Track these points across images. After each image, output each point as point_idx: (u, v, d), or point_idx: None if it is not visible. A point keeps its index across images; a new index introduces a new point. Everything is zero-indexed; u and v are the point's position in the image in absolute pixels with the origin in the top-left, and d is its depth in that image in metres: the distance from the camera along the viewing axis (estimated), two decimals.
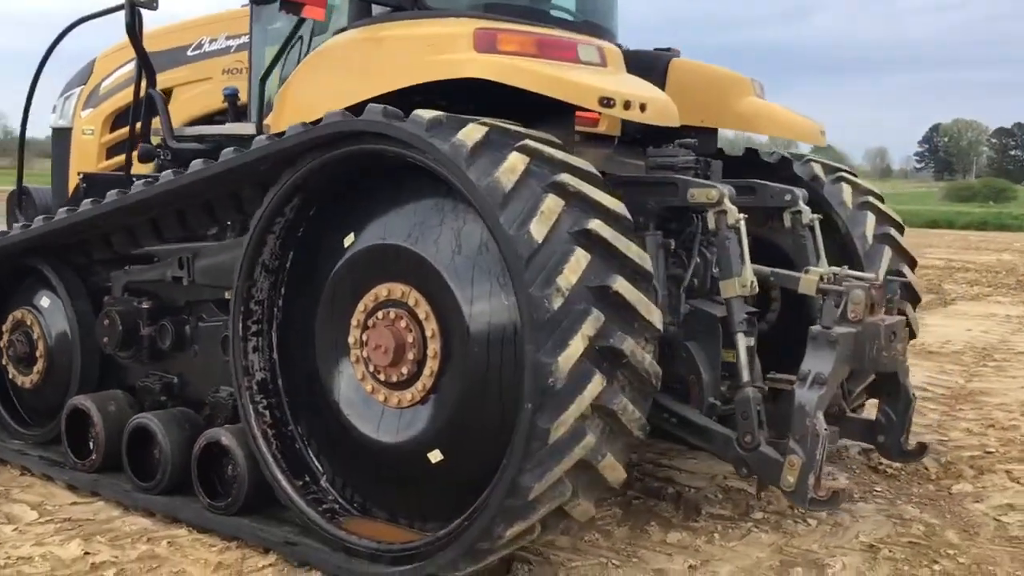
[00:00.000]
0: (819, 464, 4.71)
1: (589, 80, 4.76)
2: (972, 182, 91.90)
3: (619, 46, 6.46)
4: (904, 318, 5.53)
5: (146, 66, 6.41)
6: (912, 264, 6.81)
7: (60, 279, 6.30)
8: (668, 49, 6.86)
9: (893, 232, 6.71)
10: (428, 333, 4.50)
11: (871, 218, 6.60)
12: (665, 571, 4.93)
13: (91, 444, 5.85)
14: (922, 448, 5.72)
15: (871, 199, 6.75)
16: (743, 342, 5.10)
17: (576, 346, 3.96)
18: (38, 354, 6.44)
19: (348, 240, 4.85)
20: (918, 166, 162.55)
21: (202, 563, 4.81)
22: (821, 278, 5.31)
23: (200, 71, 6.97)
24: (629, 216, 4.40)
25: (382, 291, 4.64)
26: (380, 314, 4.63)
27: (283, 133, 4.82)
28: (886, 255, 6.51)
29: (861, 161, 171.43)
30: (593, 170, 4.48)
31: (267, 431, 5.06)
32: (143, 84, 6.47)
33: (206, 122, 6.67)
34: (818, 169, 6.77)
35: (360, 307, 4.71)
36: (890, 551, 5.24)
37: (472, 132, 4.24)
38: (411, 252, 4.59)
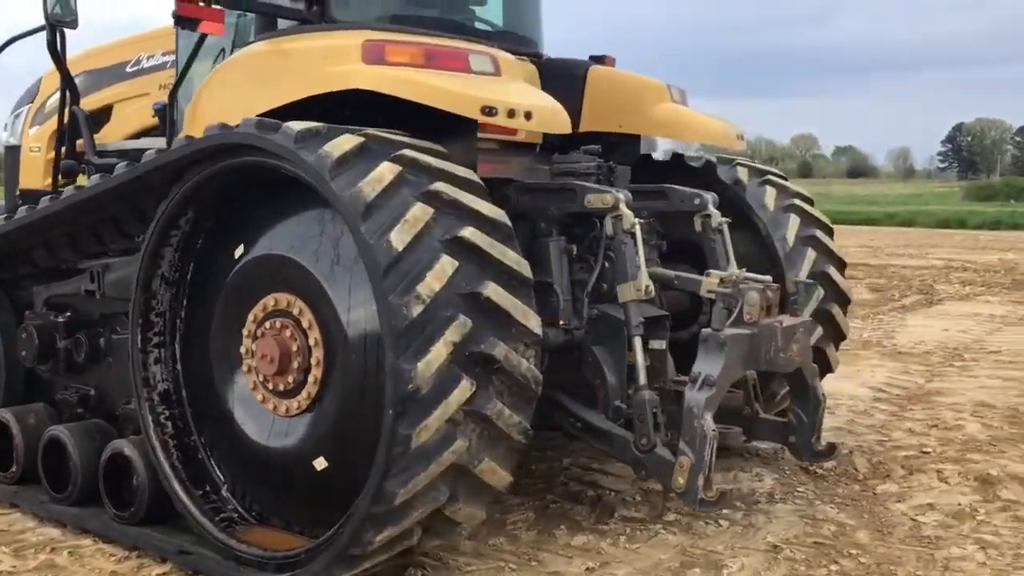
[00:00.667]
0: (708, 465, 4.75)
1: (471, 90, 4.80)
2: (993, 181, 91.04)
3: (539, 56, 6.55)
4: (809, 320, 5.57)
5: (69, 84, 6.51)
6: (840, 266, 6.82)
7: None
8: (602, 57, 6.92)
9: (820, 234, 6.72)
10: (311, 342, 4.57)
11: (794, 220, 6.62)
12: (562, 574, 4.97)
13: (13, 456, 5.93)
14: (831, 448, 5.75)
15: (797, 202, 6.78)
16: (640, 346, 5.15)
17: (438, 352, 4.01)
18: None
19: (238, 251, 4.92)
20: (941, 166, 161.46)
21: (97, 572, 4.89)
22: (721, 281, 5.36)
23: (138, 87, 7.06)
24: (508, 223, 4.46)
25: (270, 301, 4.71)
26: (268, 324, 4.70)
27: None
28: (808, 257, 6.53)
29: (884, 162, 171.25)
30: (474, 178, 4.55)
31: (168, 441, 5.13)
32: (68, 102, 6.56)
33: (143, 137, 6.77)
34: (742, 173, 6.80)
35: (251, 317, 4.78)
36: (792, 552, 5.25)
37: (342, 143, 4.30)
38: (295, 262, 4.67)
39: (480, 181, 4.58)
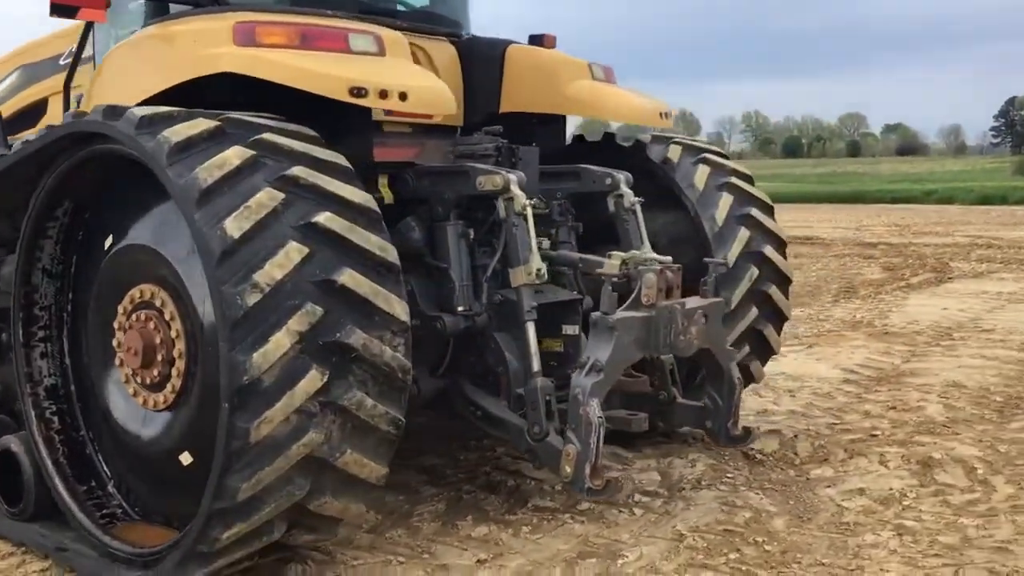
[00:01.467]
0: (594, 453, 4.60)
1: (341, 70, 4.66)
2: None
3: (461, 36, 6.39)
4: (717, 301, 5.38)
5: None
6: (779, 245, 6.60)
7: None
8: (540, 37, 6.76)
9: (756, 212, 6.51)
10: (173, 334, 4.46)
11: (726, 199, 6.42)
12: (450, 566, 4.83)
13: None
14: (747, 433, 5.58)
15: (733, 180, 6.58)
16: (532, 331, 5.02)
17: (279, 342, 3.87)
18: None
19: (108, 242, 4.83)
20: (994, 141, 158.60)
21: None
22: (623, 263, 5.19)
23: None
24: (375, 208, 4.33)
25: (136, 293, 4.60)
26: (135, 316, 4.60)
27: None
28: (740, 237, 6.33)
29: (935, 139, 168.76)
30: (340, 162, 4.41)
31: (53, 437, 5.06)
32: None
33: None
34: (674, 151, 6.60)
35: (120, 309, 4.68)
36: (697, 540, 5.09)
37: (186, 128, 4.18)
38: (157, 252, 4.56)
39: (347, 165, 4.43)
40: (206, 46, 4.81)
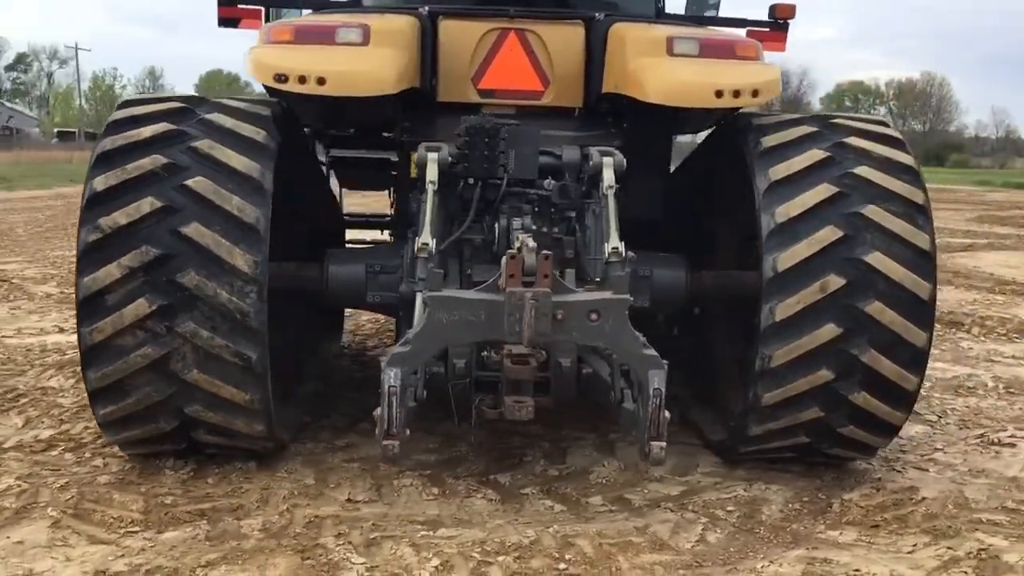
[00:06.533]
0: (385, 419, 4.52)
1: (275, 59, 5.47)
2: None
3: (591, 18, 6.36)
4: (620, 298, 4.80)
5: None
6: None
7: None
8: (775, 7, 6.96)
9: None
10: None
11: None
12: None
13: None
14: (658, 456, 4.77)
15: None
16: (419, 302, 5.01)
17: (109, 272, 4.93)
18: None
19: None
20: None
21: None
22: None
23: None
24: (256, 177, 5.15)
25: None
26: None
27: None
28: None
29: None
30: (247, 135, 5.29)
31: None
32: None
33: None
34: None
35: None
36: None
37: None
38: None
39: (257, 139, 5.25)
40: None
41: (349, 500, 5.37)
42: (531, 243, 4.81)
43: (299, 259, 6.24)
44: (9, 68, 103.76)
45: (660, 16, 7.03)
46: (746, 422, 5.57)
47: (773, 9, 6.93)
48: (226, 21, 6.50)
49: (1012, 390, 8.35)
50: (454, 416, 5.16)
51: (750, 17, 7.02)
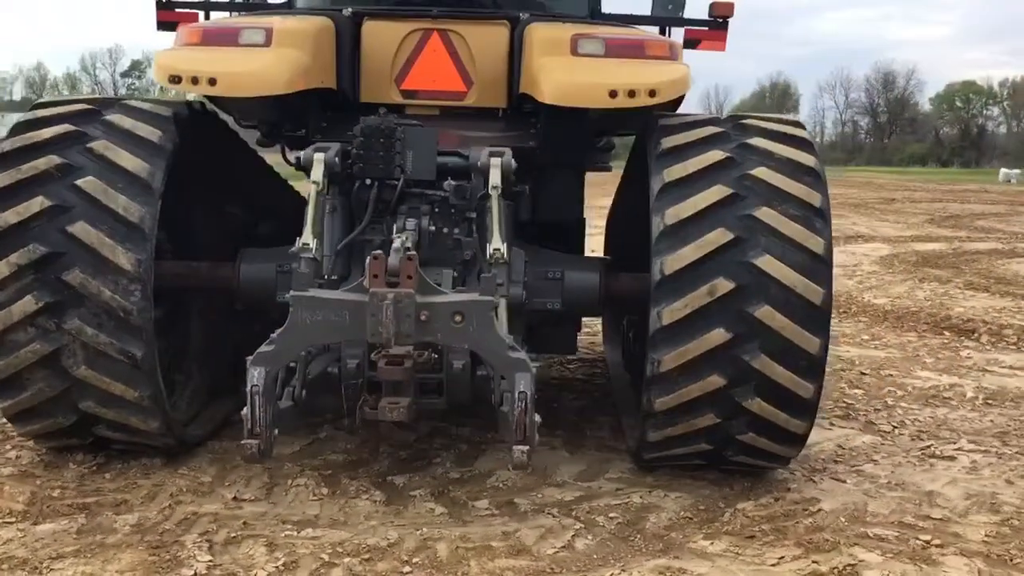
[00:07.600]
0: (249, 418, 4.55)
1: (172, 61, 5.57)
2: None
3: (516, 18, 6.28)
4: (485, 300, 4.77)
5: None
6: None
7: None
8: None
9: None
10: None
11: None
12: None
13: None
14: (521, 465, 4.78)
15: None
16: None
17: None
18: None
19: None
20: None
21: None
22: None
23: None
24: (145, 177, 5.22)
25: None
26: None
27: None
28: None
29: None
30: (143, 135, 5.33)
31: None
32: None
33: None
34: None
35: None
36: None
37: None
38: None
39: (152, 140, 5.31)
40: None
41: (235, 499, 5.39)
42: (398, 243, 4.86)
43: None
44: (124, 74, 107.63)
45: (594, 16, 6.89)
46: (645, 428, 5.47)
47: (712, 7, 6.80)
48: (164, 25, 6.73)
49: (991, 401, 8.04)
50: (351, 417, 5.24)
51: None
